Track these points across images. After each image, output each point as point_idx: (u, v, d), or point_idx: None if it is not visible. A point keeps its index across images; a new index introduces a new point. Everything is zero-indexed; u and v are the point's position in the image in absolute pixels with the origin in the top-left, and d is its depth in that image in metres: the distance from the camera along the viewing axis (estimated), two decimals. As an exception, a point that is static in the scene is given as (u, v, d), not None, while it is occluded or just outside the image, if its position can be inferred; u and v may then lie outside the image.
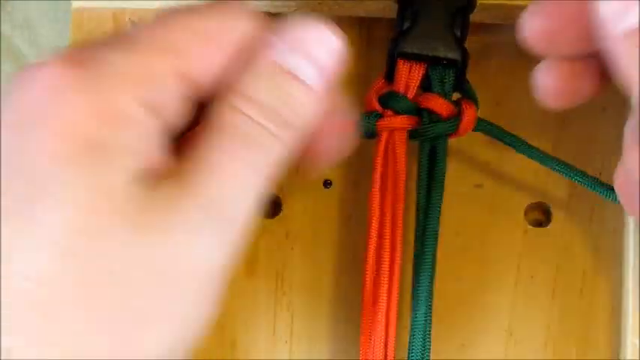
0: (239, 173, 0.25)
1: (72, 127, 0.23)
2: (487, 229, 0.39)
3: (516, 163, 0.38)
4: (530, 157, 0.35)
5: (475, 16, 0.34)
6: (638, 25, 0.26)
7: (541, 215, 0.39)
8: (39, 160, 0.23)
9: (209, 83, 0.26)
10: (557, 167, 0.35)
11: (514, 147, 0.35)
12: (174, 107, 0.25)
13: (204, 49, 0.25)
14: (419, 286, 0.34)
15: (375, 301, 0.34)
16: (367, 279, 0.34)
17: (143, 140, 0.24)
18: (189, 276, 0.24)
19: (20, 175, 0.23)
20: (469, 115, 0.34)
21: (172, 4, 0.36)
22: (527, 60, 0.30)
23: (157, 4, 0.37)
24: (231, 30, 0.26)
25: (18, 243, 0.23)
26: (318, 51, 0.26)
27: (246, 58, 0.26)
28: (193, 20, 0.26)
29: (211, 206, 0.24)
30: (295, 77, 0.26)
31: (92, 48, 0.25)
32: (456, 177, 0.38)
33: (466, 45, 0.34)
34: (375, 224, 0.34)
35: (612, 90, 0.29)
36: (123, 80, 0.24)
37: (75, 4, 0.37)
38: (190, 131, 0.27)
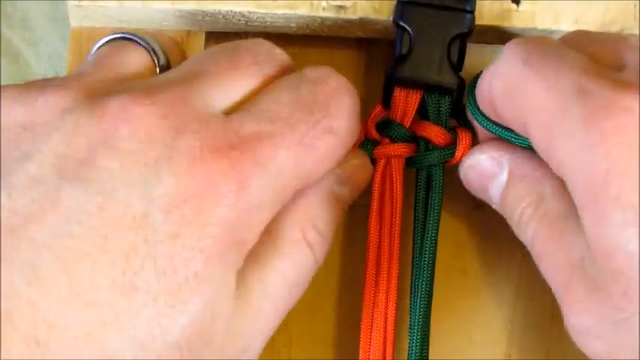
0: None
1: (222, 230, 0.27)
2: (486, 251, 0.38)
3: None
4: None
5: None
6: None
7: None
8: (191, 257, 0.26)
9: None
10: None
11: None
12: None
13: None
14: (414, 313, 0.34)
15: (372, 326, 0.34)
16: (365, 307, 0.34)
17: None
18: None
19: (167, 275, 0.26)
20: (465, 143, 0.34)
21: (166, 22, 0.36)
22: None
23: (155, 26, 0.37)
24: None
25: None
26: (362, 181, 0.33)
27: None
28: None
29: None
30: (341, 201, 0.32)
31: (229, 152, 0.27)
32: (455, 198, 0.38)
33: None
34: (373, 250, 0.34)
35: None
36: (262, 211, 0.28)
37: (74, 24, 0.37)
38: None
